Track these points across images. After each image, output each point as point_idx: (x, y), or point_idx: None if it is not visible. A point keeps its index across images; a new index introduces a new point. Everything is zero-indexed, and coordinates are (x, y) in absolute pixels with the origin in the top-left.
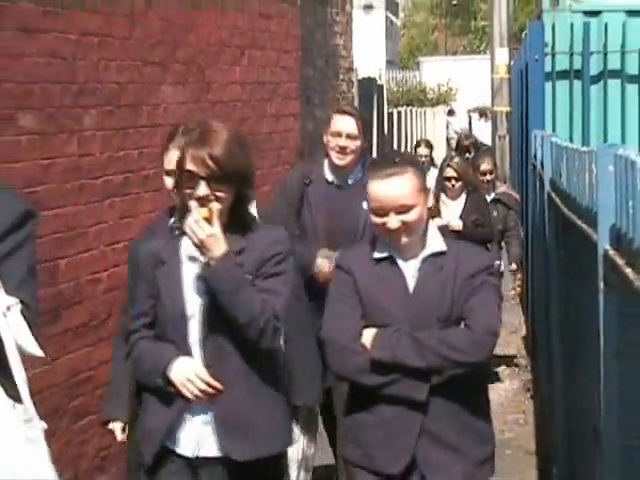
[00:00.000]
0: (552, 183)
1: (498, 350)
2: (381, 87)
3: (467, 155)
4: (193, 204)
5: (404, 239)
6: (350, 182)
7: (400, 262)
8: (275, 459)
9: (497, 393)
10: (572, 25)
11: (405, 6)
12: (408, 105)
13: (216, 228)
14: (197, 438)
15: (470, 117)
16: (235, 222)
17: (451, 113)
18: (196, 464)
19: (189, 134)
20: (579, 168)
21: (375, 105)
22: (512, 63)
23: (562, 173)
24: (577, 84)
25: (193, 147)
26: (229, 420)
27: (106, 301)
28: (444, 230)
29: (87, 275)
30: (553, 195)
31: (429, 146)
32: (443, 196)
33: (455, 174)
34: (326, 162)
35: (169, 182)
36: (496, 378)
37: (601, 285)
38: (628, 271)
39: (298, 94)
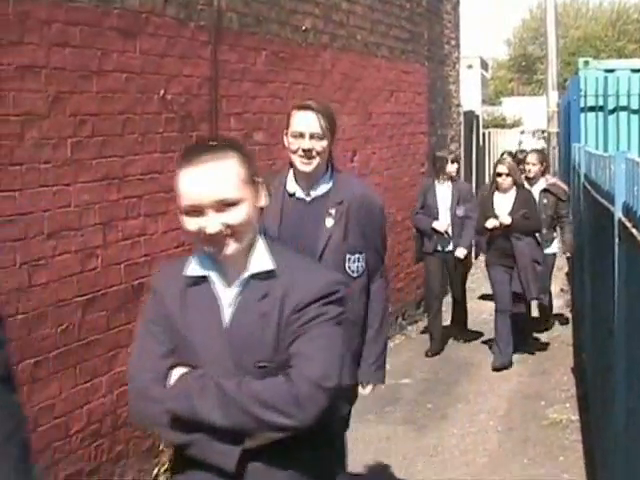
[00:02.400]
0: (586, 176)
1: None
2: (477, 116)
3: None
4: None
5: (229, 248)
6: (312, 195)
7: (217, 284)
8: None
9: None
10: (597, 78)
11: (493, 65)
12: (494, 127)
13: None
14: None
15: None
16: None
17: (523, 133)
18: None
19: None
20: (603, 166)
21: (474, 128)
22: (560, 101)
23: (592, 170)
24: (600, 115)
25: None
26: None
27: None
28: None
29: None
30: (586, 184)
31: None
32: (496, 193)
33: (506, 170)
34: (290, 171)
35: None
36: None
37: (616, 240)
38: (634, 231)
39: (426, 120)
